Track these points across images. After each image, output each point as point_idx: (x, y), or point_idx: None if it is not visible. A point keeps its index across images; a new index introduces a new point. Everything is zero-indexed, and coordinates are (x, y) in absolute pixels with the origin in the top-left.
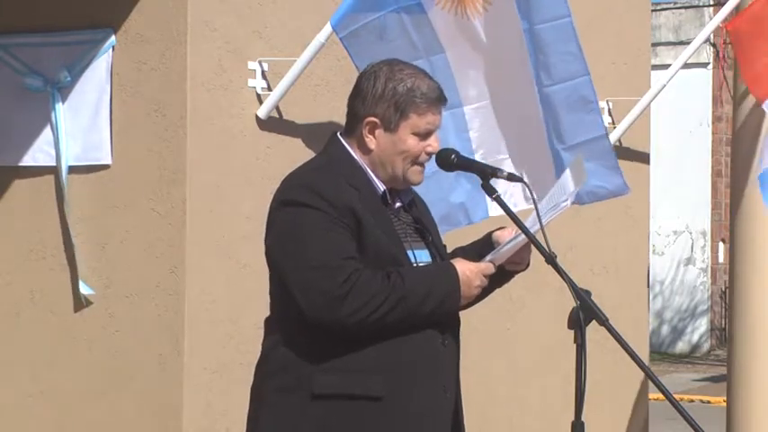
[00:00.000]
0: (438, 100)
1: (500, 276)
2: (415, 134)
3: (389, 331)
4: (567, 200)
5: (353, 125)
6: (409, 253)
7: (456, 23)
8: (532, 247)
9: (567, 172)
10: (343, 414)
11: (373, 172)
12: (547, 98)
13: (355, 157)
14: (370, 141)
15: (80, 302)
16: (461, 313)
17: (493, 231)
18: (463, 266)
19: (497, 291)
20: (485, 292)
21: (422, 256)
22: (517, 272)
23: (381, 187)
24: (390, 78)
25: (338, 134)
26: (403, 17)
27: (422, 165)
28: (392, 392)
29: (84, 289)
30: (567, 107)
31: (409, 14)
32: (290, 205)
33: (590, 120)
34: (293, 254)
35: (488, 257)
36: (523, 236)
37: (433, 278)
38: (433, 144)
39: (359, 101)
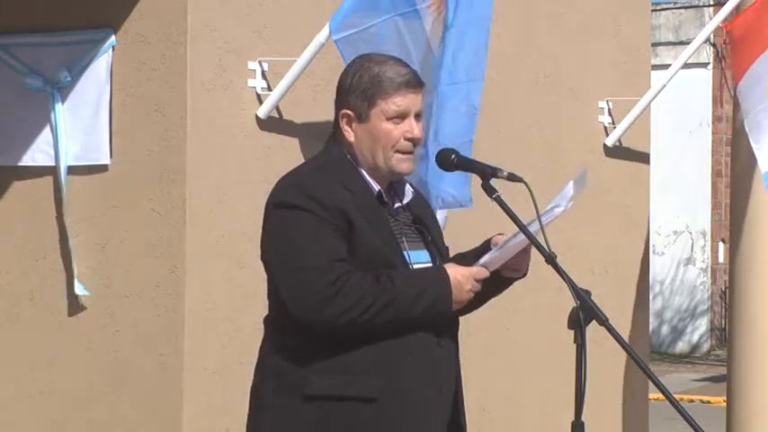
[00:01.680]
0: (407, 84)
1: (498, 283)
2: (388, 119)
3: (383, 333)
4: (562, 206)
5: (335, 123)
6: (405, 254)
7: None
8: (532, 247)
9: (570, 183)
10: (338, 415)
11: (368, 171)
12: (441, 96)
13: (349, 157)
14: (349, 134)
15: (81, 302)
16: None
17: (491, 237)
18: (455, 271)
19: None
20: (481, 299)
21: (420, 257)
22: (515, 279)
23: (376, 187)
24: (358, 70)
25: (334, 136)
26: (399, 24)
27: (405, 152)
28: (386, 393)
29: (78, 289)
30: (454, 107)
31: (405, 20)
32: (281, 207)
33: (467, 123)
34: (284, 255)
35: (482, 260)
36: (522, 236)
37: (423, 281)
38: (412, 129)
39: (336, 98)
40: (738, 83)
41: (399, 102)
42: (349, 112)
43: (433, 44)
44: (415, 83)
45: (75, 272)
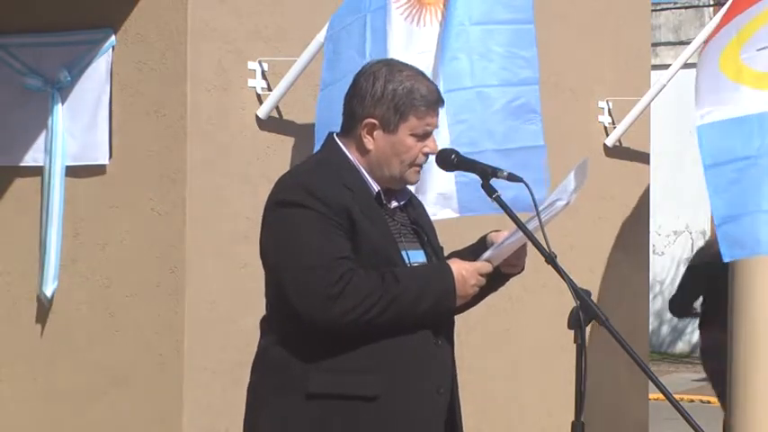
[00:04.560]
0: (437, 102)
1: (495, 279)
2: (414, 135)
3: (384, 331)
4: (564, 199)
5: (351, 126)
6: (403, 253)
7: (406, 30)
8: (532, 246)
9: (571, 174)
10: (337, 414)
11: (369, 172)
12: (485, 97)
13: (350, 157)
14: (369, 142)
15: (81, 302)
16: (460, 314)
17: (487, 234)
18: (459, 266)
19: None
20: (480, 294)
21: (416, 257)
22: (513, 275)
23: (375, 188)
24: (390, 80)
25: (334, 135)
26: (366, 20)
27: (419, 165)
28: (386, 392)
29: (46, 290)
30: (506, 110)
31: (372, 16)
32: (283, 205)
33: (529, 129)
34: (287, 254)
35: (485, 255)
36: (521, 233)
37: (427, 278)
38: (431, 145)
39: (357, 101)
40: (702, 52)
41: (431, 122)
42: (374, 121)
43: (394, 42)
44: (442, 100)
45: (51, 270)
